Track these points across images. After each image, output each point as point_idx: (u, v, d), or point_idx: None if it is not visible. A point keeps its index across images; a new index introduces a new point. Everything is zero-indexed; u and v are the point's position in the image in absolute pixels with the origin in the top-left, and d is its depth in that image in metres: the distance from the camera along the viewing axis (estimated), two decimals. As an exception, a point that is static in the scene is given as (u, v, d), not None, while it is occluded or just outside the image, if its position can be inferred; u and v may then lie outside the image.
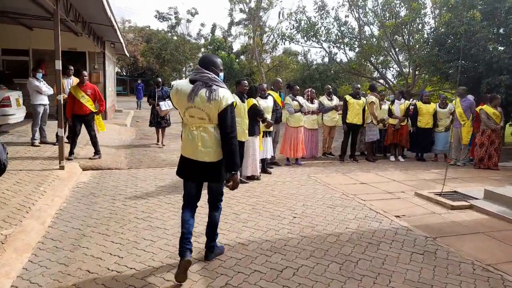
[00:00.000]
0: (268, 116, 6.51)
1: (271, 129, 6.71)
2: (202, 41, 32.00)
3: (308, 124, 8.45)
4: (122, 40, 13.26)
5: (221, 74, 3.00)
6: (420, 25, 12.23)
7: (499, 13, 9.17)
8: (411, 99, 10.49)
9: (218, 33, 30.52)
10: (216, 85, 2.83)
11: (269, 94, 7.23)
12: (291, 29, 13.57)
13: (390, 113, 8.63)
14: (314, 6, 13.84)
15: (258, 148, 6.17)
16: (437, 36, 11.27)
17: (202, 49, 29.67)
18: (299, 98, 7.77)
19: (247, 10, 22.46)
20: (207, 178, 2.99)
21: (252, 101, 5.95)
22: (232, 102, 2.87)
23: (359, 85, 8.47)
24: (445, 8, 10.93)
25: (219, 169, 2.93)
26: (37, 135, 7.78)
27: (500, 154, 7.90)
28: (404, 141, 8.57)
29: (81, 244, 3.46)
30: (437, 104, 8.74)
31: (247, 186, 5.72)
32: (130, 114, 16.85)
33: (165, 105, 7.17)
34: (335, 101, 8.80)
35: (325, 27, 14.35)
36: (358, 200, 5.16)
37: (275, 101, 7.19)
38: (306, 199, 5.12)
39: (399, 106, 8.58)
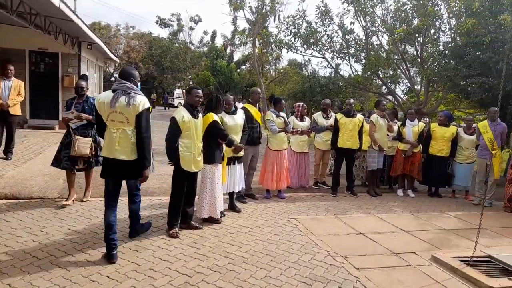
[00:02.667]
0: (237, 137, 4.98)
1: (242, 153, 5.14)
2: (205, 49, 30.76)
3: (297, 147, 6.88)
4: (98, 41, 11.90)
5: (139, 84, 3.64)
6: (436, 34, 10.64)
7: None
8: (422, 118, 8.87)
9: (220, 41, 29.33)
10: (134, 92, 3.29)
11: (244, 108, 5.73)
12: (288, 35, 12.08)
13: (400, 136, 7.02)
14: (316, 11, 12.36)
15: (220, 180, 4.60)
16: (455, 48, 9.68)
17: (203, 58, 28.34)
18: (284, 114, 6.22)
19: (250, 17, 21.20)
20: (124, 175, 3.43)
21: (212, 117, 4.41)
22: (148, 107, 3.36)
23: (352, 100, 6.86)
24: (464, 14, 9.36)
25: (134, 167, 3.34)
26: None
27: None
28: (415, 171, 6.92)
29: None
30: (460, 128, 7.11)
31: (197, 234, 4.13)
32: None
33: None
34: (333, 119, 7.22)
35: (328, 35, 12.85)
36: (349, 269, 3.53)
37: (250, 117, 5.67)
38: (272, 266, 3.50)
39: (412, 129, 6.96)
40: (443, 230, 4.93)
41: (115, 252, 3.33)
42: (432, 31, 11.09)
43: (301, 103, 7.09)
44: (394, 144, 7.15)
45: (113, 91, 3.29)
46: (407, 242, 4.41)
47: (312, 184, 7.23)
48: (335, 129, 6.55)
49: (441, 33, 10.83)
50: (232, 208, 5.22)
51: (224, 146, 4.64)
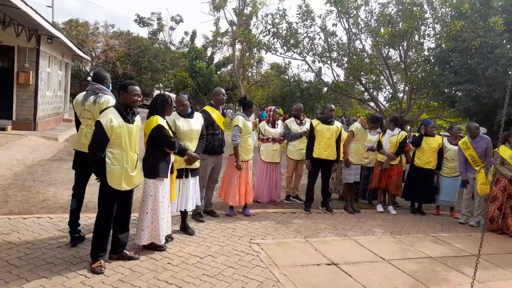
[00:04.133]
0: (191, 145, 4.18)
1: (197, 164, 4.34)
2: (186, 50, 29.81)
3: (267, 156, 6.12)
4: (59, 35, 10.89)
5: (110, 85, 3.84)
6: (421, 39, 10.11)
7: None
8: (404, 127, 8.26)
9: (201, 42, 28.50)
10: (102, 93, 3.69)
11: (204, 111, 4.94)
12: (267, 35, 11.35)
13: (380, 147, 6.35)
14: (297, 11, 11.69)
15: (167, 197, 3.78)
16: (440, 53, 9.17)
17: (181, 59, 27.37)
18: (252, 119, 5.46)
19: (231, 18, 20.46)
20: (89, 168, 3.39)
21: (157, 120, 3.60)
22: (112, 106, 3.35)
23: (332, 105, 6.10)
24: (450, 18, 8.84)
25: None
26: None
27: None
28: (393, 186, 6.23)
29: None
30: (445, 138, 6.48)
31: (128, 268, 3.29)
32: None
33: None
34: (308, 125, 6.50)
35: (309, 37, 12.20)
36: (314, 321, 2.76)
37: (212, 122, 4.88)
38: (215, 315, 2.71)
39: (390, 139, 6.26)
40: (429, 258, 4.24)
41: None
42: (416, 37, 10.59)
43: (273, 107, 6.35)
44: (371, 156, 6.47)
45: (86, 91, 3.72)
46: (388, 276, 3.68)
47: (284, 198, 6.47)
48: (310, 137, 5.82)
49: (426, 38, 10.31)
50: (184, 229, 4.40)
51: (172, 156, 3.83)
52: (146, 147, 3.69)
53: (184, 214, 4.40)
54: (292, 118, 6.56)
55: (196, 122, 4.31)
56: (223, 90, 5.24)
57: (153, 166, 3.62)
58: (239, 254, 3.88)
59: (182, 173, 4.19)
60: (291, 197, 6.49)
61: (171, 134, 3.74)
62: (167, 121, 3.95)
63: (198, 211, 4.90)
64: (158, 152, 3.65)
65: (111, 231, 3.41)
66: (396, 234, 5.06)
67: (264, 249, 4.06)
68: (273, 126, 6.21)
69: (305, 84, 15.03)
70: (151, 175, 3.62)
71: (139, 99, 3.35)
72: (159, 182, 3.64)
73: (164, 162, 3.68)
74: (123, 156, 3.22)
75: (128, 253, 3.50)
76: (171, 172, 3.84)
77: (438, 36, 10.69)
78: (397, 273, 3.75)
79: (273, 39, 11.44)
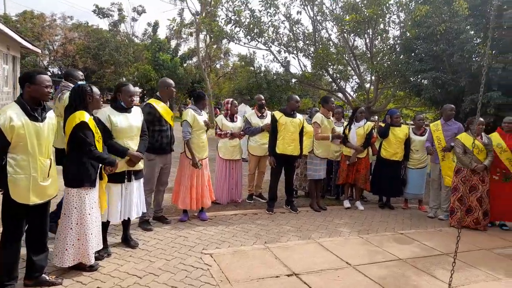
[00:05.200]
0: (132, 143, 3.60)
1: (141, 165, 3.76)
2: (149, 42, 28.54)
3: (226, 153, 5.61)
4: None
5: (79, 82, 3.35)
6: (387, 26, 9.84)
7: (489, 9, 6.91)
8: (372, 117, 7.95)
9: (164, 33, 27.32)
10: (67, 90, 3.70)
11: (148, 104, 4.35)
12: (228, 23, 10.73)
13: (345, 139, 5.99)
14: (260, -1, 11.14)
15: (96, 208, 3.19)
16: (405, 41, 8.93)
17: (144, 51, 26.13)
18: (205, 113, 4.91)
19: (193, 7, 19.59)
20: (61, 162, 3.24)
21: (82, 116, 2.99)
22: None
23: (297, 97, 5.64)
24: (414, 4, 8.59)
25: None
26: None
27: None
28: (361, 180, 5.90)
29: None
30: (411, 128, 6.20)
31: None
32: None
33: None
34: (269, 119, 6.03)
35: (274, 25, 11.70)
36: None
37: (158, 117, 4.31)
38: None
39: (357, 131, 5.90)
40: (398, 260, 3.89)
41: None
42: (382, 25, 10.33)
43: (231, 99, 5.82)
44: (342, 148, 6.10)
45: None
46: (354, 285, 3.29)
47: (246, 198, 5.99)
48: (273, 131, 5.35)
49: (391, 25, 10.07)
50: (126, 241, 3.83)
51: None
52: (67, 149, 3.08)
53: (126, 223, 3.82)
54: (253, 111, 6.06)
55: (136, 117, 3.72)
56: (172, 82, 4.63)
57: (76, 173, 3.02)
58: (186, 269, 3.37)
59: (124, 177, 3.60)
60: (253, 196, 6.03)
61: (97, 137, 3.11)
62: (98, 118, 3.36)
63: (146, 218, 4.33)
64: (83, 155, 3.05)
65: (26, 253, 2.81)
66: (363, 234, 4.71)
67: (217, 261, 3.56)
68: (232, 120, 5.70)
69: (272, 76, 14.57)
70: (75, 184, 3.02)
71: (48, 91, 2.73)
72: (85, 191, 3.05)
73: (91, 167, 3.09)
74: (30, 162, 2.61)
75: (47, 277, 2.90)
76: (101, 179, 3.25)
77: (403, 24, 10.50)
78: (364, 281, 3.37)
79: (235, 28, 10.85)
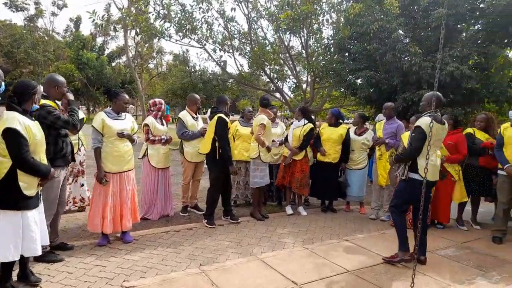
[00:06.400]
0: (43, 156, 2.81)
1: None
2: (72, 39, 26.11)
3: (159, 162, 4.96)
4: None
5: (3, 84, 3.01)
6: (321, 25, 9.79)
7: (417, 9, 7.09)
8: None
9: (89, 30, 25.16)
10: None
11: (42, 106, 3.54)
12: (157, 17, 9.94)
13: (285, 139, 5.64)
14: (192, -7, 10.50)
15: None
16: (340, 40, 8.92)
17: (65, 49, 23.82)
18: (129, 115, 4.22)
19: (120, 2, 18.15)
20: None
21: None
22: None
23: (227, 97, 5.16)
24: (344, 2, 8.63)
25: None
26: None
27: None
28: (295, 184, 5.53)
29: None
30: (349, 128, 6.05)
31: None
32: None
33: None
34: (202, 121, 5.47)
35: (208, 22, 11.10)
36: None
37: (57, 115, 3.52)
38: None
39: (293, 131, 5.59)
40: (346, 273, 3.59)
41: None
42: (316, 25, 10.29)
43: (159, 99, 5.16)
44: (281, 151, 5.76)
45: None
46: (302, 310, 2.89)
47: (180, 210, 5.37)
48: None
49: (325, 25, 10.05)
50: (25, 278, 3.03)
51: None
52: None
53: (23, 260, 3.01)
54: (186, 112, 5.42)
55: (36, 124, 2.96)
56: (62, 79, 3.77)
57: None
58: (99, 312, 2.70)
59: (38, 200, 2.85)
60: (189, 208, 5.43)
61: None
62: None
63: (47, 250, 3.53)
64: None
65: None
66: (308, 243, 4.37)
67: (139, 296, 2.94)
68: (162, 123, 5.05)
69: (208, 75, 13.97)
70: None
71: None
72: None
73: None
74: None
75: None
76: None
77: (335, 25, 10.58)
78: (313, 304, 2.99)
79: (165, 23, 10.08)
